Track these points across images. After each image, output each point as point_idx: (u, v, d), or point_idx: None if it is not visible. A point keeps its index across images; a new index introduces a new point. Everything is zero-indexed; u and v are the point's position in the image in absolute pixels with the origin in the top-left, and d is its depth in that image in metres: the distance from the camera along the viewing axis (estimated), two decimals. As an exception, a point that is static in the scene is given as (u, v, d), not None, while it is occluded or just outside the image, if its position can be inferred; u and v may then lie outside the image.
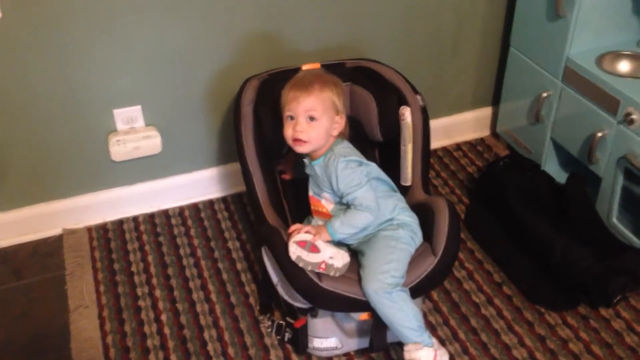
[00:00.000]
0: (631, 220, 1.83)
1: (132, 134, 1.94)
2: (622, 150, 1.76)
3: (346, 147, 1.58)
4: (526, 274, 1.82)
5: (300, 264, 1.45)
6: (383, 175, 1.62)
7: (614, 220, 1.86)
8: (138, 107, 1.92)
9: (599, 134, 1.81)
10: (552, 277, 1.76)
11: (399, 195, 1.63)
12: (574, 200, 1.86)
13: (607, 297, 1.70)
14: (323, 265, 1.46)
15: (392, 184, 1.64)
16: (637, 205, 1.78)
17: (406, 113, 1.65)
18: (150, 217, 2.09)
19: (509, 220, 1.90)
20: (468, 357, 1.65)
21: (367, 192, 1.50)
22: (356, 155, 1.56)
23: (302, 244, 1.47)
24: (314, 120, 1.52)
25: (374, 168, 1.60)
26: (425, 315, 1.74)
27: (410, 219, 1.57)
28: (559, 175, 2.06)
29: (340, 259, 1.48)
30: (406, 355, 1.47)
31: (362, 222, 1.50)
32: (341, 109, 1.56)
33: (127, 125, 1.94)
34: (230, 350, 1.68)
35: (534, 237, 1.80)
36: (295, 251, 1.46)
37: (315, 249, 1.46)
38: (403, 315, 1.44)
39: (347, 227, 1.50)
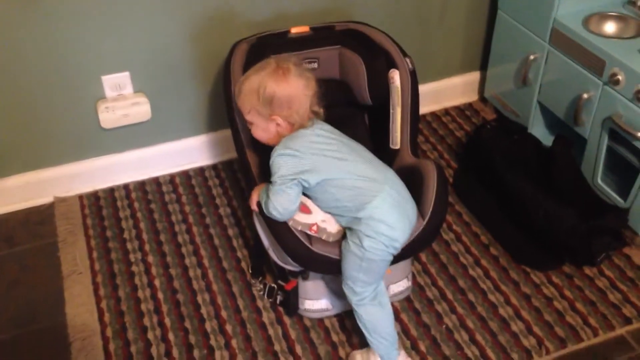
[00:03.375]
0: (615, 181, 1.86)
1: (121, 100, 1.93)
2: (607, 111, 1.78)
3: (296, 136, 1.45)
4: (512, 235, 1.86)
5: (290, 223, 1.47)
6: (340, 173, 1.44)
7: (599, 181, 1.89)
8: (126, 74, 1.91)
9: (585, 96, 1.83)
10: (537, 238, 1.80)
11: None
12: (560, 162, 1.89)
13: (591, 256, 1.74)
14: (315, 228, 1.48)
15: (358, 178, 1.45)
16: (622, 166, 1.81)
17: (395, 76, 1.65)
18: (141, 184, 2.10)
19: (495, 183, 1.92)
20: (455, 316, 1.69)
21: (277, 193, 1.41)
22: (300, 147, 1.42)
23: None
24: (250, 125, 1.51)
25: (316, 162, 1.42)
26: (414, 277, 1.78)
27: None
28: (546, 138, 2.08)
29: (334, 223, 1.49)
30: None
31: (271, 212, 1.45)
32: (270, 111, 1.44)
33: (116, 92, 1.93)
34: (223, 313, 1.71)
35: (520, 199, 1.83)
36: None
37: (306, 209, 1.48)
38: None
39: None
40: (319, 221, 1.48)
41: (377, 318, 1.49)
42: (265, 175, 1.66)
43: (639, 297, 1.72)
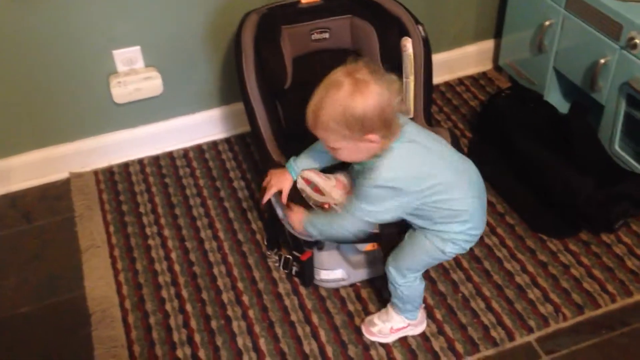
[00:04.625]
0: (633, 147, 1.84)
1: (133, 75, 1.93)
2: (624, 76, 1.75)
3: (397, 166, 1.28)
4: (528, 203, 1.84)
5: (303, 195, 1.47)
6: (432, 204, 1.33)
7: (616, 147, 1.87)
8: (137, 48, 1.91)
9: (602, 61, 1.80)
10: (554, 206, 1.78)
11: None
12: (577, 129, 1.86)
13: (608, 223, 1.73)
14: (327, 206, 1.48)
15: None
16: (638, 132, 1.78)
17: (407, 44, 1.64)
18: (155, 159, 2.11)
19: (511, 152, 1.90)
20: (472, 284, 1.69)
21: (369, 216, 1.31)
22: (399, 178, 1.28)
23: (307, 181, 1.49)
24: (334, 150, 1.32)
25: (414, 194, 1.29)
26: (429, 246, 1.77)
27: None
28: (562, 106, 2.05)
29: (343, 195, 1.48)
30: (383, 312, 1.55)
31: (335, 232, 1.39)
32: (362, 133, 1.24)
33: (127, 66, 1.93)
34: (240, 285, 1.72)
35: (536, 168, 1.82)
36: (300, 184, 1.48)
37: (318, 191, 1.48)
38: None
39: (317, 229, 1.41)
40: (331, 201, 1.47)
41: (416, 293, 1.50)
42: (280, 145, 1.65)
43: (657, 263, 1.71)
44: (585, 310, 1.61)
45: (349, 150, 1.29)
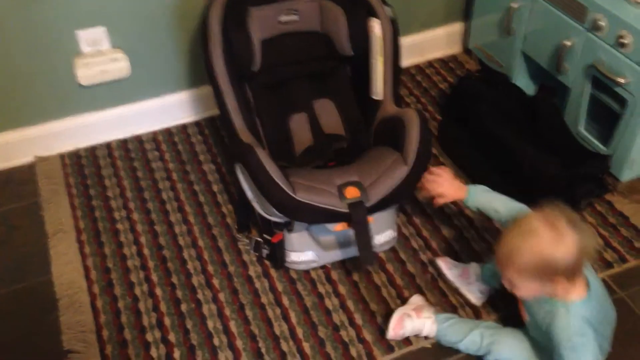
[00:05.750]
0: (597, 129, 1.87)
1: (98, 56, 1.90)
2: (589, 58, 1.77)
3: (584, 315, 1.30)
4: (496, 184, 1.86)
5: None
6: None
7: (582, 129, 1.90)
8: (103, 29, 1.87)
9: (568, 43, 1.82)
10: (521, 187, 1.80)
11: None
12: (543, 111, 1.89)
13: (574, 203, 1.76)
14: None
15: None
16: (604, 113, 1.81)
17: (375, 25, 1.63)
18: (123, 142, 2.08)
19: (479, 134, 1.92)
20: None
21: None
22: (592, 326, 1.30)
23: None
24: (514, 286, 1.33)
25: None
26: (399, 228, 1.79)
27: None
28: (529, 89, 2.08)
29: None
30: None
31: None
32: (551, 277, 1.26)
33: (92, 47, 1.89)
34: (210, 268, 1.72)
35: (504, 149, 1.83)
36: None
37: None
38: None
39: None
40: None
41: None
42: (249, 126, 1.62)
43: (620, 242, 1.75)
44: (550, 288, 1.65)
45: (531, 289, 1.31)
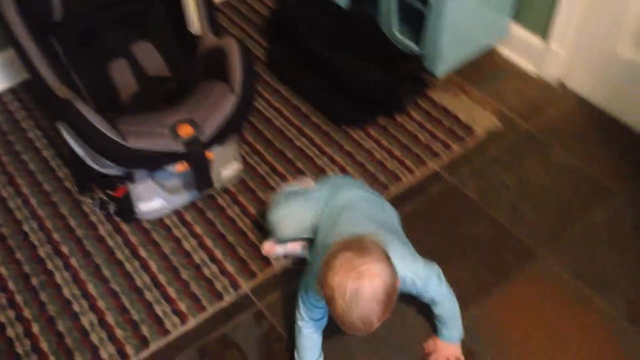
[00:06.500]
0: (409, 30, 1.98)
1: None
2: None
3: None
4: (328, 99, 1.93)
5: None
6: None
7: (396, 32, 1.99)
8: None
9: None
10: (350, 97, 1.89)
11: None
12: (358, 21, 1.96)
13: (398, 103, 1.88)
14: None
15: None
16: (412, 15, 1.92)
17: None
18: None
19: (306, 55, 1.96)
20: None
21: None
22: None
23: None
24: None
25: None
26: (244, 159, 1.81)
27: None
28: (345, 3, 2.13)
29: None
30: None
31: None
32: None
33: None
34: (56, 236, 1.65)
35: (331, 65, 1.89)
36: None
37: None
38: None
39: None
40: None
41: None
42: (64, 80, 1.52)
43: (445, 132, 1.89)
44: (390, 187, 1.76)
45: None
